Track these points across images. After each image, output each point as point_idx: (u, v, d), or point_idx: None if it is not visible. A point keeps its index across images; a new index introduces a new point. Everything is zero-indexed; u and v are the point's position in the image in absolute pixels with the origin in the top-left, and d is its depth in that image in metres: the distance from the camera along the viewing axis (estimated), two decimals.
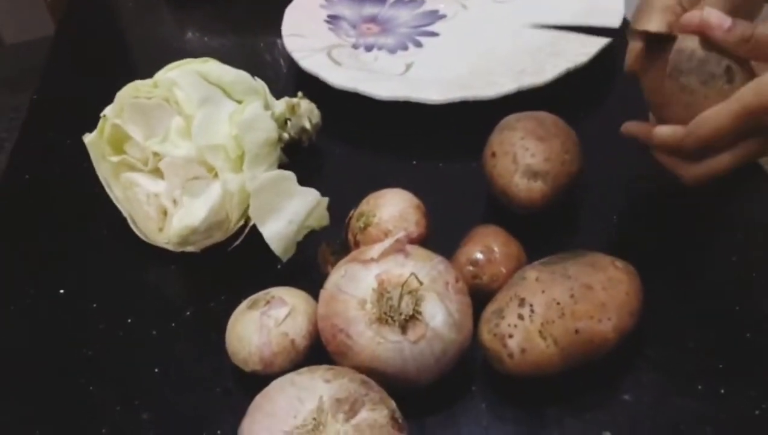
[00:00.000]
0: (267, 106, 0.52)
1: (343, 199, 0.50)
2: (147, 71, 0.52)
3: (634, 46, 0.46)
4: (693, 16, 0.43)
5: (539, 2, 0.69)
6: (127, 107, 0.48)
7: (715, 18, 0.42)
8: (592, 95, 0.61)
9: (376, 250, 0.41)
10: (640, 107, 0.60)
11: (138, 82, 0.48)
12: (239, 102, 0.50)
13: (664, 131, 0.45)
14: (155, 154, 0.47)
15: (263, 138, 0.48)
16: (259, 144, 0.47)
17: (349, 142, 0.62)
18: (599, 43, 0.60)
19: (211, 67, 0.50)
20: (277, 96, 0.58)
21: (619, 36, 0.62)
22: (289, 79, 0.68)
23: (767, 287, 0.45)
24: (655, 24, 0.45)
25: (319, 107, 0.60)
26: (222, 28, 0.80)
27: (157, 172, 0.49)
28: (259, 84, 0.52)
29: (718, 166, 0.44)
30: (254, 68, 0.71)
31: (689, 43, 0.43)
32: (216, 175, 0.46)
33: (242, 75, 0.51)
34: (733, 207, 0.51)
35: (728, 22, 0.42)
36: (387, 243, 0.41)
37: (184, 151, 0.46)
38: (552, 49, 0.62)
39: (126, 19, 0.84)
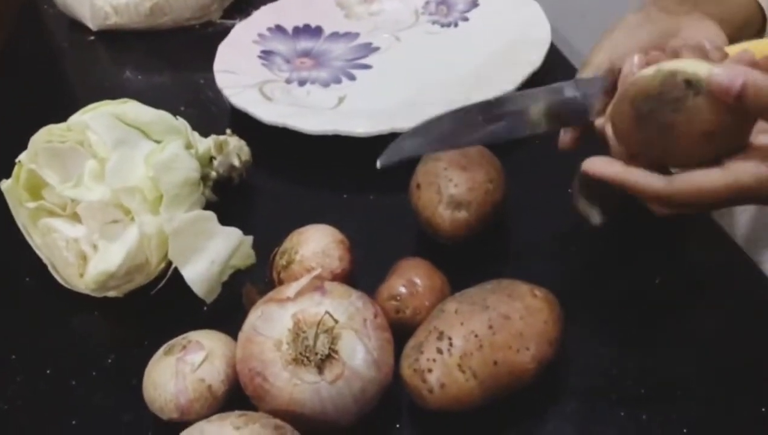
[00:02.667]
0: (189, 146, 0.51)
1: (273, 236, 0.50)
2: None
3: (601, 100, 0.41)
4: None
5: (470, 34, 0.70)
6: (42, 152, 0.47)
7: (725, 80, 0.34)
8: None
9: (292, 288, 0.40)
10: None
11: (52, 126, 0.48)
12: (158, 142, 0.49)
13: (646, 180, 0.38)
14: (72, 198, 0.46)
15: (182, 178, 0.47)
16: (177, 184, 0.46)
17: (281, 178, 0.61)
18: (525, 71, 0.61)
19: (128, 108, 0.49)
20: (214, 131, 0.57)
21: (544, 65, 0.63)
22: (226, 114, 0.67)
23: (688, 311, 0.46)
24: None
25: (253, 143, 0.60)
26: (159, 65, 0.79)
27: (75, 217, 0.48)
28: (181, 123, 0.52)
29: (691, 212, 0.40)
30: (192, 105, 0.71)
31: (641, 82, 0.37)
32: (133, 218, 0.45)
33: (161, 115, 0.50)
34: (655, 230, 0.52)
35: (735, 90, 0.34)
36: (304, 281, 0.41)
37: (98, 195, 0.45)
38: (480, 78, 0.63)
39: (61, 60, 0.83)
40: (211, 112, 0.69)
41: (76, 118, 0.48)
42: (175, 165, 0.47)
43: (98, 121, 0.46)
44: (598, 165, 0.40)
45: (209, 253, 0.46)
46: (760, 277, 0.47)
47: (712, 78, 0.35)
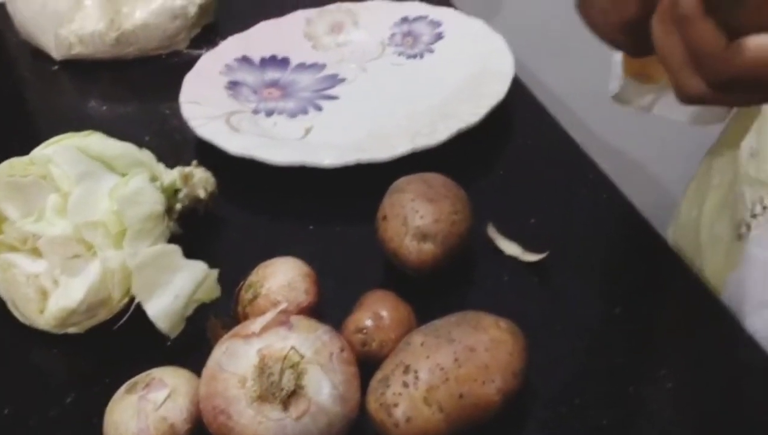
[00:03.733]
0: (154, 178, 0.51)
1: (239, 268, 0.49)
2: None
3: None
4: None
5: (435, 66, 0.71)
6: (3, 186, 0.47)
7: None
8: (484, 154, 0.63)
9: (258, 323, 0.40)
10: (529, 166, 0.62)
11: (14, 160, 0.47)
12: (123, 175, 0.49)
13: (711, 34, 0.32)
14: (33, 233, 0.46)
15: (147, 212, 0.47)
16: (142, 218, 0.46)
17: (247, 209, 0.61)
18: (489, 103, 0.62)
19: (93, 140, 0.49)
20: (180, 161, 0.57)
21: (507, 100, 0.64)
22: (192, 144, 0.67)
23: (649, 340, 0.47)
24: None
25: (219, 173, 0.60)
26: (124, 95, 0.79)
27: (36, 252, 0.47)
28: (146, 155, 0.51)
29: (736, 101, 0.35)
30: (158, 134, 0.70)
31: None
32: (95, 253, 0.45)
33: (126, 147, 0.50)
34: (616, 261, 0.53)
35: None
36: (269, 316, 0.40)
37: (59, 230, 0.44)
38: (445, 110, 0.64)
39: (24, 90, 0.82)
40: (177, 142, 0.69)
41: (39, 152, 0.47)
42: (140, 198, 0.46)
43: (62, 154, 0.46)
44: None
45: (173, 287, 0.45)
46: (719, 305, 0.48)
47: None
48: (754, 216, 0.50)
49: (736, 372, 0.45)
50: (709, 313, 0.48)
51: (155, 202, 0.48)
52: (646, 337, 0.47)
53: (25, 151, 0.50)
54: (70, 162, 0.45)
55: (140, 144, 0.69)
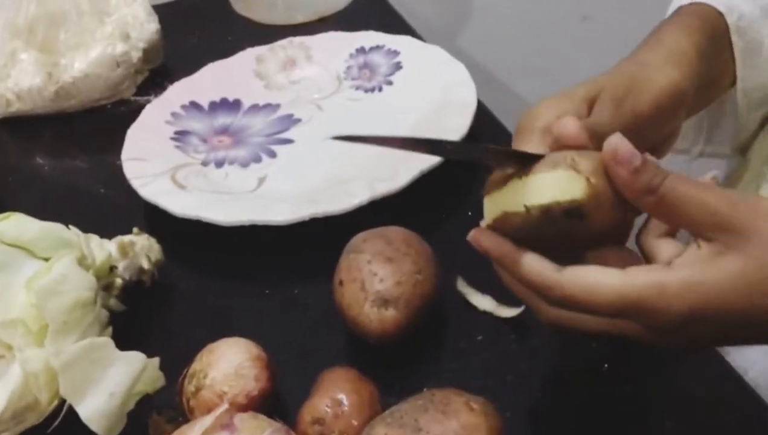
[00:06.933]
0: (83, 258, 0.46)
1: (189, 347, 0.45)
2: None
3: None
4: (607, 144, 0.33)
5: (395, 99, 0.67)
6: None
7: (625, 151, 0.32)
8: (450, 194, 0.58)
9: (196, 429, 0.35)
10: None
11: None
12: (46, 260, 0.44)
13: (534, 267, 0.34)
14: None
15: (71, 301, 0.42)
16: (66, 310, 0.41)
17: (198, 275, 0.56)
18: (453, 139, 0.58)
19: (8, 225, 0.44)
20: (137, 213, 0.56)
21: (473, 131, 0.60)
22: (140, 203, 0.62)
23: (643, 401, 0.42)
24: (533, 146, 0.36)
25: (169, 231, 0.55)
26: (71, 150, 0.74)
27: None
28: (73, 233, 0.47)
29: (581, 326, 0.35)
30: (112, 186, 0.65)
31: None
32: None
33: (49, 228, 0.45)
34: None
35: (638, 161, 0.32)
36: (208, 420, 0.36)
37: None
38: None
39: None
40: (133, 191, 0.63)
41: None
42: (63, 287, 0.41)
43: None
44: (484, 239, 0.35)
45: (107, 384, 0.41)
46: (723, 362, 0.44)
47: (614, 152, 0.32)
48: None
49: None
50: (705, 366, 0.44)
51: (82, 287, 0.43)
52: (639, 397, 0.42)
53: None
54: None
55: (95, 197, 0.65)
